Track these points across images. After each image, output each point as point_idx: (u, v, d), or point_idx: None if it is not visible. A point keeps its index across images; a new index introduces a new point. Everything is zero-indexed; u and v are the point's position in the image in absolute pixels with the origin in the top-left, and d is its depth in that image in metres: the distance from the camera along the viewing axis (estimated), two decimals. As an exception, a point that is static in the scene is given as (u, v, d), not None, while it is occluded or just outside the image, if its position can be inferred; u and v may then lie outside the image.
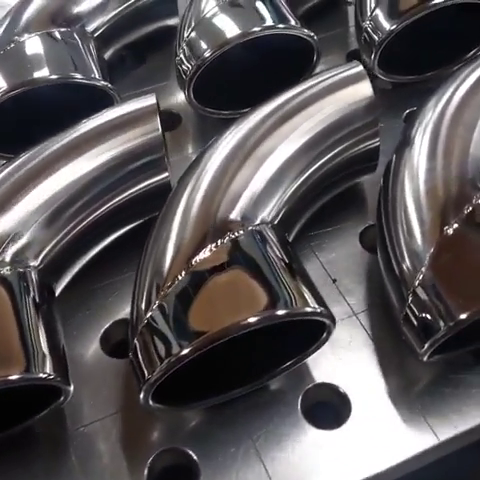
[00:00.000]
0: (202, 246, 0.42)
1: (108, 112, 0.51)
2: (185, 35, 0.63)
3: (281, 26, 0.60)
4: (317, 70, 0.70)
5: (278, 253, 0.44)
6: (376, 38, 0.61)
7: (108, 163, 0.48)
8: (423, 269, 0.42)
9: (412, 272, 0.43)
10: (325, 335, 0.42)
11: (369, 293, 0.50)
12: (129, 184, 0.49)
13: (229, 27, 0.61)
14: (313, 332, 0.43)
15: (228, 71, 0.63)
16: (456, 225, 0.42)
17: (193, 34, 0.62)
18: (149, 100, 0.51)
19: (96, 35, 0.65)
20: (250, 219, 0.45)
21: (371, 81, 0.65)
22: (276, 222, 0.46)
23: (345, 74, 0.53)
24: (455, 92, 0.52)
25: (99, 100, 0.60)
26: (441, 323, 0.40)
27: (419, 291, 0.42)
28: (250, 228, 0.44)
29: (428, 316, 0.41)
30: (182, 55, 0.61)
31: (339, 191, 0.54)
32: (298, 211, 0.49)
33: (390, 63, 0.64)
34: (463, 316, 0.40)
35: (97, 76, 0.59)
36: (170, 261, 0.42)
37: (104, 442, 0.43)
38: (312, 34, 0.61)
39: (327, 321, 0.41)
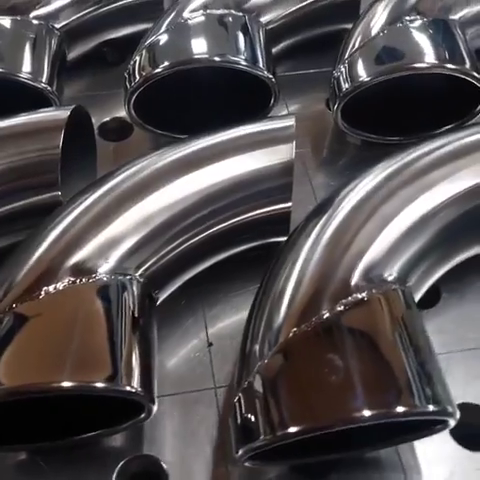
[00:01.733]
0: (37, 287, 0.40)
1: (17, 118, 0.50)
2: (148, 41, 0.61)
3: (243, 63, 0.58)
4: (292, 107, 0.68)
5: (128, 313, 0.41)
6: (343, 88, 0.57)
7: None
8: (265, 361, 0.39)
9: (257, 358, 0.39)
10: (143, 415, 0.40)
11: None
12: (16, 197, 0.48)
13: (195, 46, 0.59)
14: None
15: (182, 91, 0.61)
16: (308, 328, 0.39)
17: (155, 41, 0.60)
18: (62, 113, 0.50)
19: (66, 29, 0.65)
20: (115, 267, 0.43)
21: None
22: (149, 275, 0.44)
23: (273, 133, 0.50)
24: (393, 176, 0.47)
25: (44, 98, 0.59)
26: (263, 431, 0.37)
27: (256, 383, 0.38)
28: (101, 277, 0.42)
29: (252, 418, 0.38)
30: (137, 62, 0.59)
31: (245, 248, 0.51)
32: (183, 266, 0.47)
33: (359, 117, 0.60)
34: (291, 430, 0.36)
35: (44, 77, 0.58)
36: None
37: None
38: (271, 77, 0.58)
39: (145, 403, 0.39)
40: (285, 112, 0.67)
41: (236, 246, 0.50)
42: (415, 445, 0.43)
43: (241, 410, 0.38)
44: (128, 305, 0.42)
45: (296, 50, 0.70)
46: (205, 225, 0.47)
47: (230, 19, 0.62)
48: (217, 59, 0.58)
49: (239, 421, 0.38)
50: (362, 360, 0.38)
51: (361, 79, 0.57)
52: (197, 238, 0.46)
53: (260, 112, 0.61)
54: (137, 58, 0.59)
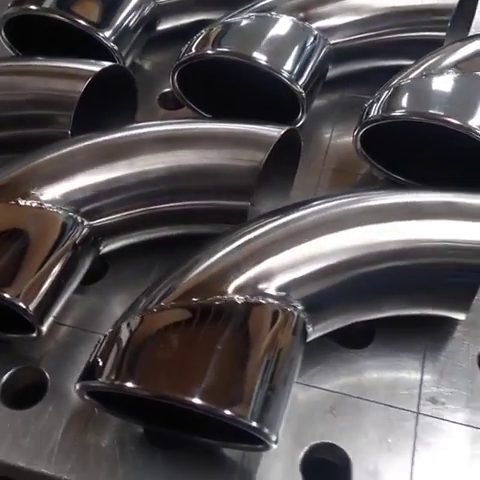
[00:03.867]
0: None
1: (63, 61, 0.59)
2: (221, 20, 0.65)
3: (285, 75, 0.60)
4: (338, 132, 0.69)
5: (63, 243, 0.48)
6: (370, 115, 0.57)
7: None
8: (139, 315, 0.43)
9: (138, 310, 0.44)
10: (34, 334, 0.47)
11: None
12: (33, 124, 0.57)
13: (251, 43, 0.62)
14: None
15: (225, 77, 0.64)
16: (181, 305, 0.43)
17: (220, 26, 0.64)
18: (95, 68, 0.57)
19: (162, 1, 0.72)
20: (69, 207, 0.50)
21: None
22: (98, 223, 0.51)
23: (256, 137, 0.54)
24: (348, 212, 0.48)
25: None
26: (105, 375, 0.40)
27: (122, 330, 0.42)
28: (52, 208, 0.49)
29: (102, 359, 0.41)
30: (198, 38, 0.63)
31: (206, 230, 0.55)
32: (132, 228, 0.53)
33: (382, 150, 0.60)
34: (128, 385, 0.40)
35: (113, 37, 0.65)
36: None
37: None
38: (301, 91, 0.61)
39: (34, 323, 0.46)
40: (327, 134, 0.68)
41: (192, 226, 0.54)
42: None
43: (99, 348, 0.43)
44: (66, 236, 0.49)
45: (367, 74, 0.71)
46: (161, 198, 0.52)
47: (297, 28, 0.65)
48: (262, 62, 0.60)
49: (92, 358, 0.43)
50: (218, 354, 0.41)
51: (389, 112, 0.56)
52: (150, 208, 0.52)
53: (289, 122, 0.63)
54: (199, 35, 0.64)
